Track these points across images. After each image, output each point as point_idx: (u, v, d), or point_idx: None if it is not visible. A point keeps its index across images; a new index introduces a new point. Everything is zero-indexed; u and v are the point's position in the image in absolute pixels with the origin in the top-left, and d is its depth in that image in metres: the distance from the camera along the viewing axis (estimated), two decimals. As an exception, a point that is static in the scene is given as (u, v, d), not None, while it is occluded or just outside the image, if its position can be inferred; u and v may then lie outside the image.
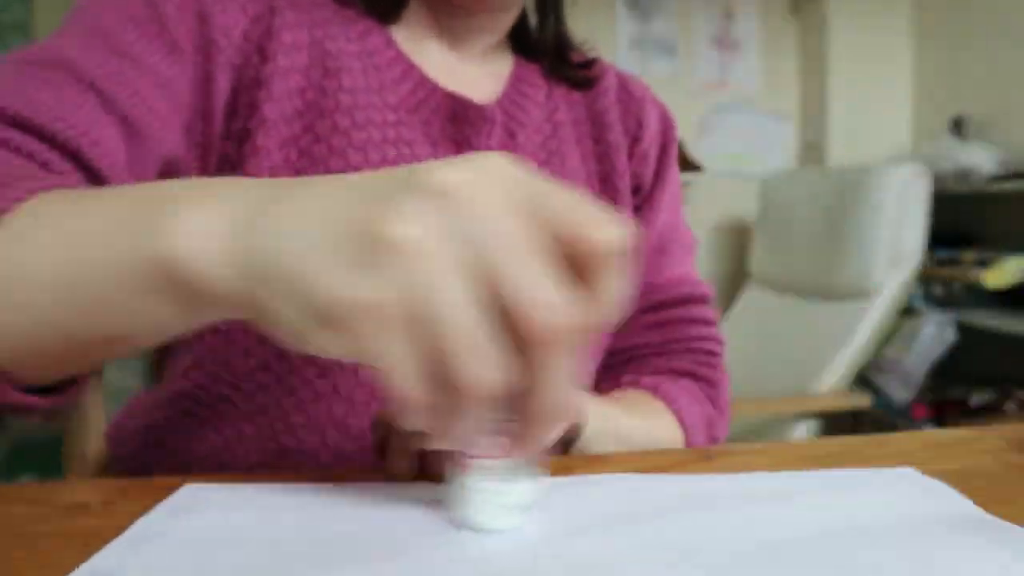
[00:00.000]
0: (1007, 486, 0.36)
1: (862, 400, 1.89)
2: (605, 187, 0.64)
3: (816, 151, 2.88)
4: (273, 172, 0.52)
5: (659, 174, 0.68)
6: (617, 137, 0.65)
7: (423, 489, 0.37)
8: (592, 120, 0.65)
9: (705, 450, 0.48)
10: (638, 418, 0.56)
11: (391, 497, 0.36)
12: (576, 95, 0.66)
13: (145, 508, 0.35)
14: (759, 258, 2.40)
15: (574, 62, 0.66)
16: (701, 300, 0.67)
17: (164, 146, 0.49)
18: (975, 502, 0.34)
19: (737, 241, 2.83)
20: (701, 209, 2.81)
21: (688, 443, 0.59)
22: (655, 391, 0.61)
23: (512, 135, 0.61)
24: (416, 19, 0.60)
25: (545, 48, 0.65)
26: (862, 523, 0.32)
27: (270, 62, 0.52)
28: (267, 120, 0.52)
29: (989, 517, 0.32)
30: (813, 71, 2.88)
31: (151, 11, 0.49)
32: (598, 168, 0.65)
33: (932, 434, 0.45)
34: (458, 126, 0.58)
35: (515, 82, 0.63)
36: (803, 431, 1.85)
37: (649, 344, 0.65)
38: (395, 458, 0.38)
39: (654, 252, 0.67)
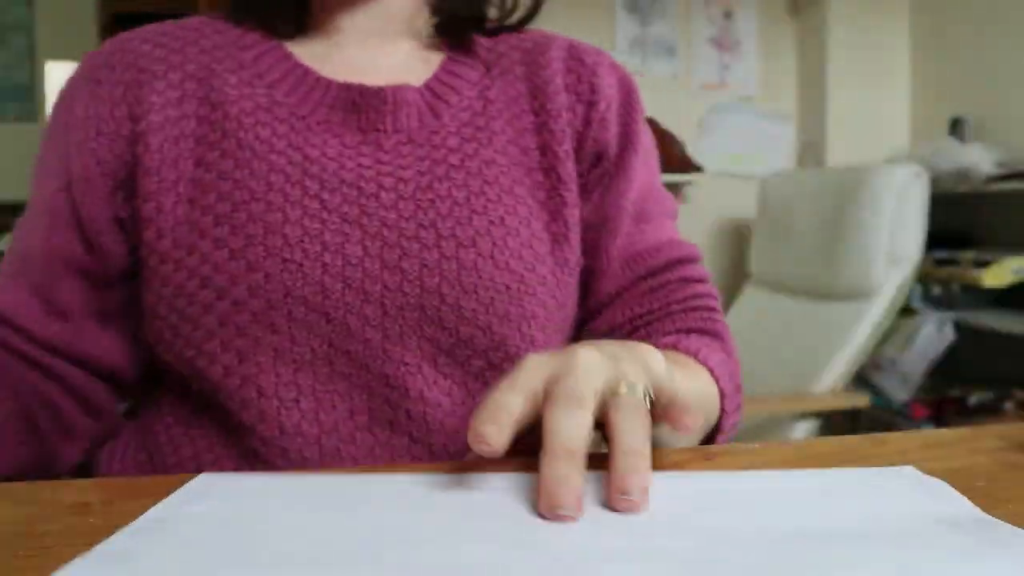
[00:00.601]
0: (1006, 485, 0.37)
1: (861, 400, 1.90)
2: (544, 157, 0.63)
3: (815, 151, 2.88)
4: (162, 208, 0.56)
5: (626, 137, 0.66)
6: (559, 105, 0.64)
7: (434, 480, 0.37)
8: (532, 93, 0.65)
9: (705, 449, 0.48)
10: (688, 379, 0.54)
11: (400, 490, 0.36)
12: (518, 70, 0.66)
13: (145, 508, 0.35)
14: (758, 258, 2.41)
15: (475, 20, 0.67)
16: (690, 260, 0.67)
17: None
18: (974, 502, 0.34)
19: (736, 241, 2.84)
20: (700, 209, 2.82)
21: (721, 393, 0.57)
22: (676, 348, 0.58)
23: (437, 115, 0.62)
24: (321, 29, 0.63)
25: (453, 13, 0.66)
26: (861, 523, 0.32)
27: (142, 121, 0.58)
28: (149, 168, 0.57)
29: (987, 517, 0.33)
30: (812, 72, 2.89)
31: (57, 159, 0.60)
32: (536, 139, 0.64)
33: (930, 433, 0.46)
34: (359, 113, 0.59)
35: (448, 64, 0.65)
36: (802, 430, 1.85)
37: (651, 311, 0.64)
38: (504, 432, 0.36)
39: (635, 219, 0.66)
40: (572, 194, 0.64)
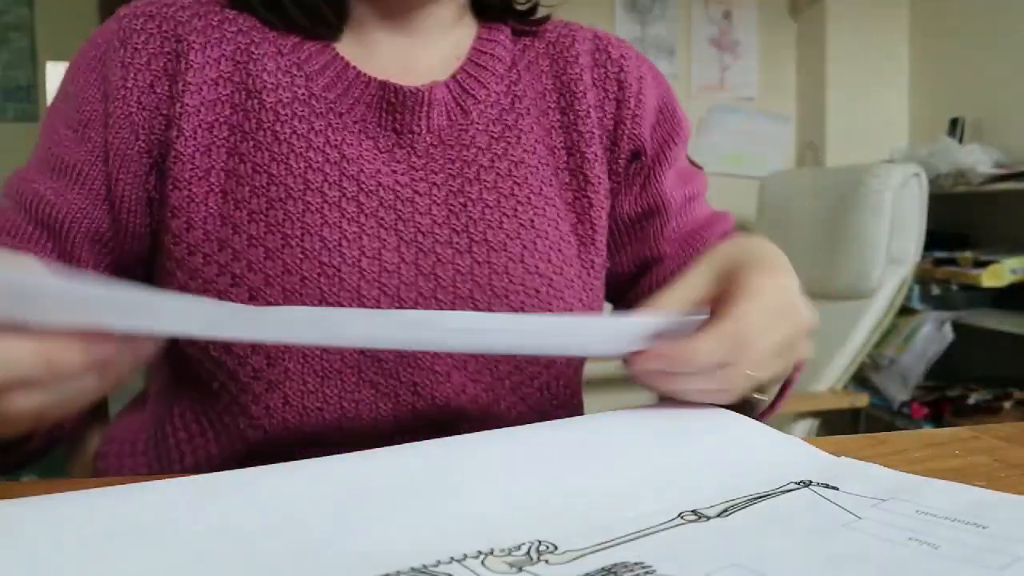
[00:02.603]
0: (1005, 485, 0.37)
1: (860, 399, 1.90)
2: (571, 157, 0.63)
3: (814, 152, 2.88)
4: (194, 197, 0.54)
5: (664, 128, 0.67)
6: (588, 104, 0.63)
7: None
8: (560, 90, 0.64)
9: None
10: None
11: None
12: (544, 63, 0.64)
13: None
14: (757, 258, 2.40)
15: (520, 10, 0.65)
16: (732, 231, 0.69)
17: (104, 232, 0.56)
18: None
19: (735, 241, 2.83)
20: (700, 209, 2.82)
21: None
22: None
23: (466, 112, 0.60)
24: (360, 25, 0.60)
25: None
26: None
27: (177, 103, 0.55)
28: (182, 155, 0.54)
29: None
30: (812, 72, 2.89)
31: (77, 116, 0.56)
32: (564, 139, 0.63)
33: (930, 433, 0.46)
34: (395, 113, 0.58)
35: (474, 55, 0.62)
36: (802, 430, 1.85)
37: None
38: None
39: (684, 200, 0.67)
40: (599, 196, 0.63)
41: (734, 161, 2.90)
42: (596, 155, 0.63)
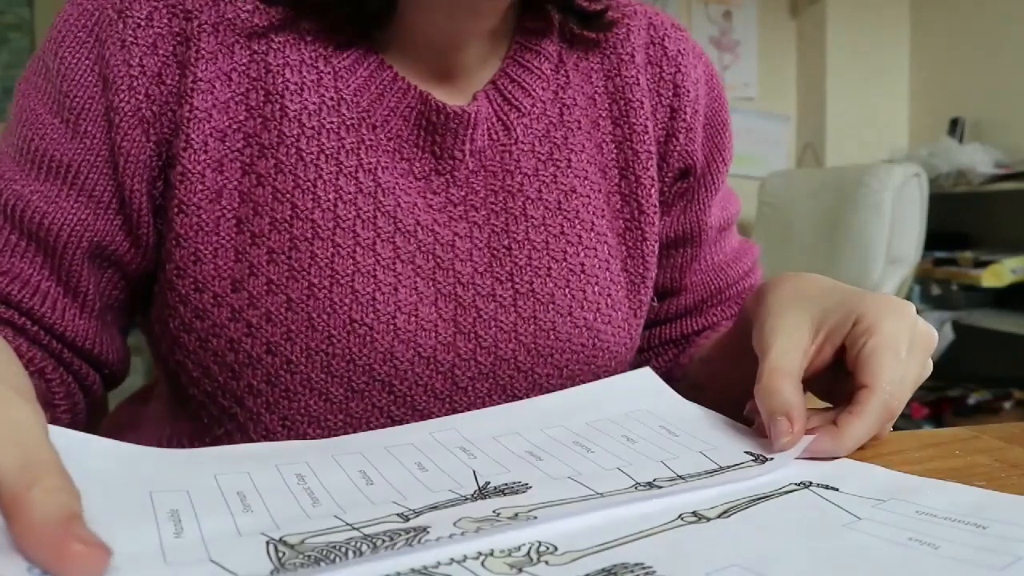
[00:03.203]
0: (1006, 485, 0.37)
1: (860, 400, 1.89)
2: (625, 180, 0.54)
3: (814, 152, 2.88)
4: (203, 225, 0.45)
5: (715, 146, 0.58)
6: (645, 117, 0.54)
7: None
8: (612, 95, 0.54)
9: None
10: None
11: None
12: (594, 61, 0.54)
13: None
14: (757, 258, 2.41)
15: (584, 9, 0.54)
16: (757, 263, 0.64)
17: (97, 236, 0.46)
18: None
19: (735, 241, 2.84)
20: (700, 209, 2.82)
21: None
22: None
23: (509, 128, 0.51)
24: (401, 17, 0.49)
25: None
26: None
27: (185, 103, 0.45)
28: (188, 173, 0.45)
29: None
30: (812, 72, 2.89)
31: (59, 108, 0.45)
32: (617, 156, 0.54)
33: (930, 433, 0.46)
34: (434, 135, 0.49)
35: (516, 53, 0.52)
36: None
37: (728, 318, 0.62)
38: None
39: (718, 229, 0.61)
40: (652, 229, 0.55)
41: (733, 161, 2.89)
42: (652, 179, 0.55)
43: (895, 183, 1.96)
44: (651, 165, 0.55)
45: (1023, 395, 2.26)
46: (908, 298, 2.19)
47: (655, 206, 0.55)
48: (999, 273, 2.15)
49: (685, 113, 0.56)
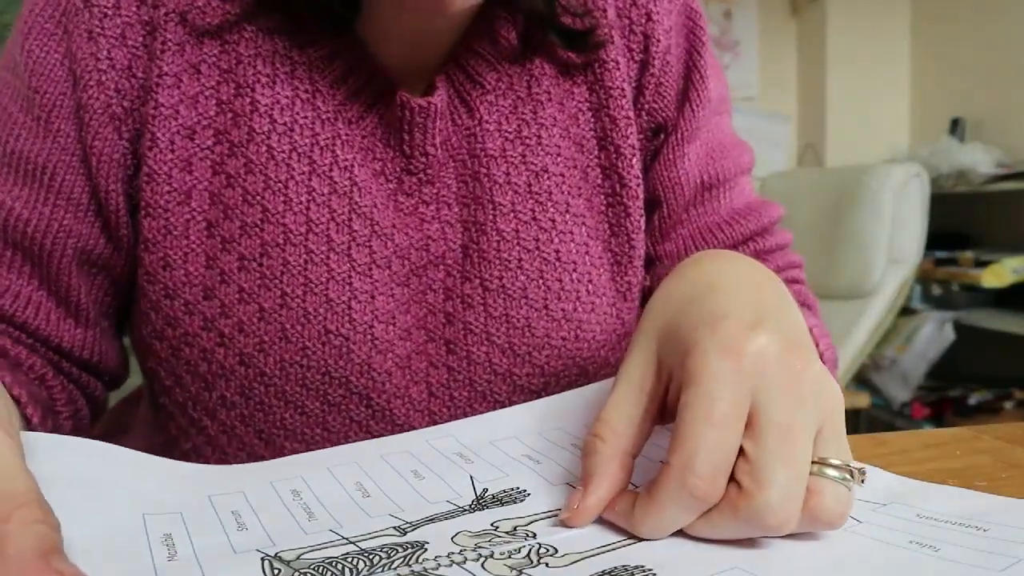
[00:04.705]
0: (1006, 485, 0.37)
1: (861, 399, 1.90)
2: (604, 152, 0.50)
3: (815, 151, 2.88)
4: (171, 228, 0.43)
5: (686, 92, 0.52)
6: (621, 79, 0.49)
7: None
8: (586, 60, 0.50)
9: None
10: None
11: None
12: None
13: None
14: (758, 258, 2.40)
15: (564, 26, 0.49)
16: (766, 230, 0.56)
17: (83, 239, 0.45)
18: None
19: (736, 241, 2.83)
20: (700, 209, 2.81)
21: (823, 360, 0.47)
22: None
23: (470, 108, 0.47)
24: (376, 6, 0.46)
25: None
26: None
27: (150, 100, 0.43)
28: (154, 174, 0.43)
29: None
30: (812, 72, 2.89)
31: (32, 108, 0.43)
32: (594, 127, 0.50)
33: (930, 433, 0.46)
34: (403, 133, 0.46)
35: (478, 22, 0.47)
36: (802, 431, 1.85)
37: None
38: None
39: (702, 188, 0.53)
40: (637, 201, 0.51)
41: (734, 161, 2.90)
42: (632, 148, 0.50)
43: (896, 183, 1.96)
44: (631, 132, 0.50)
45: (1024, 395, 2.26)
46: (909, 298, 2.19)
47: (638, 177, 0.50)
48: (1000, 273, 2.15)
49: (653, 66, 0.50)
